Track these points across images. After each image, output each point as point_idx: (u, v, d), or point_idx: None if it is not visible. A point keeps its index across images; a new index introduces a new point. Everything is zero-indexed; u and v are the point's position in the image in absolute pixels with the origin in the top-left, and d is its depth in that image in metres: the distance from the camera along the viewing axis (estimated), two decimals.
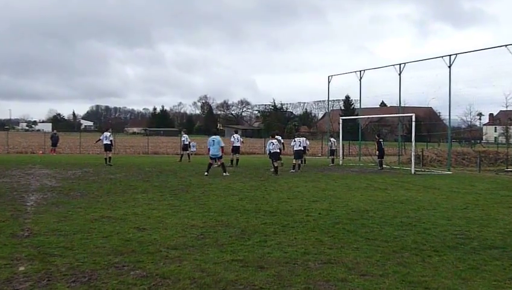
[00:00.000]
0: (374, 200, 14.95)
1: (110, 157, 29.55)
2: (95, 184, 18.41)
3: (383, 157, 30.26)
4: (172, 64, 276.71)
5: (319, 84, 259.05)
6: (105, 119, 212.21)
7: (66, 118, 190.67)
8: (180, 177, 21.60)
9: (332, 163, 32.72)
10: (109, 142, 29.97)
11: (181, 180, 20.21)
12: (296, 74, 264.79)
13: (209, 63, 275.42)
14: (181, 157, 35.14)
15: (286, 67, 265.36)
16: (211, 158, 23.52)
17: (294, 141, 26.40)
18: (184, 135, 36.18)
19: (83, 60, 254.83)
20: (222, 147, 23.67)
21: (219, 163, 23.41)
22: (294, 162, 25.97)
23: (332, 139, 35.01)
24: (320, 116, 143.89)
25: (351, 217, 12.03)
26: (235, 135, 29.49)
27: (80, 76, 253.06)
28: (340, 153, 35.63)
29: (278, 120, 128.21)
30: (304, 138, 28.88)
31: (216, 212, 12.46)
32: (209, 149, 23.59)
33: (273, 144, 24.81)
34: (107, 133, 30.56)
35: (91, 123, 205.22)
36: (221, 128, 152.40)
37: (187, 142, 35.33)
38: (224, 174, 22.69)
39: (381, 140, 30.63)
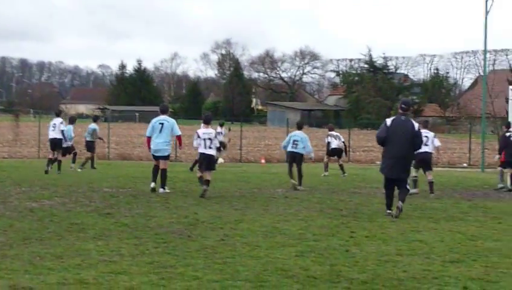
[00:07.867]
0: None
1: (59, 161, 19.50)
2: (0, 221, 10.19)
3: None
4: None
5: (460, 19, 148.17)
6: (19, 86, 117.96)
7: None
8: (176, 208, 12.22)
9: None
10: (59, 136, 19.92)
11: (177, 214, 11.32)
12: None
13: None
14: (193, 165, 19.69)
15: None
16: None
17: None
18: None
19: None
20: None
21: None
22: (414, 174, 15.53)
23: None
24: (467, 83, 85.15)
25: None
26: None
27: None
28: None
29: (376, 91, 70.78)
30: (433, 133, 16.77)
31: (249, 281, 6.88)
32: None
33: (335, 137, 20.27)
34: (58, 120, 20.05)
35: None
36: (260, 107, 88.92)
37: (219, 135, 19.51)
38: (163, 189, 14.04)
39: (510, 134, 17.69)
